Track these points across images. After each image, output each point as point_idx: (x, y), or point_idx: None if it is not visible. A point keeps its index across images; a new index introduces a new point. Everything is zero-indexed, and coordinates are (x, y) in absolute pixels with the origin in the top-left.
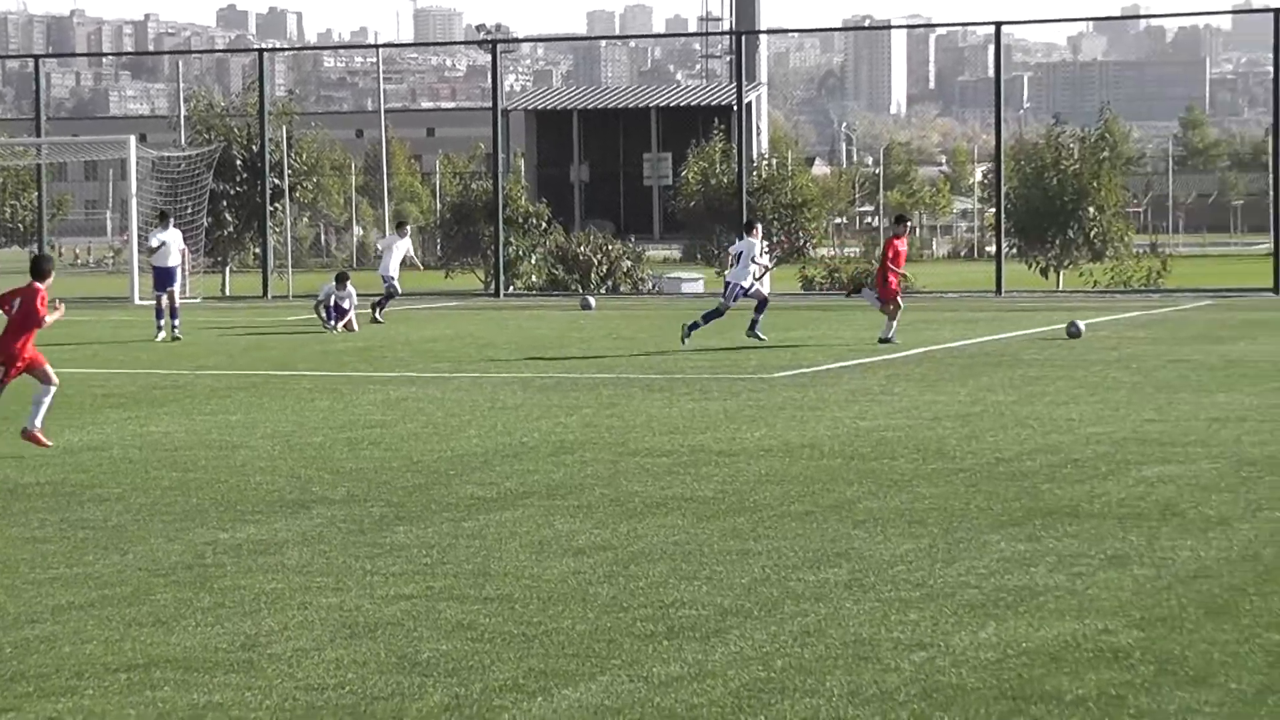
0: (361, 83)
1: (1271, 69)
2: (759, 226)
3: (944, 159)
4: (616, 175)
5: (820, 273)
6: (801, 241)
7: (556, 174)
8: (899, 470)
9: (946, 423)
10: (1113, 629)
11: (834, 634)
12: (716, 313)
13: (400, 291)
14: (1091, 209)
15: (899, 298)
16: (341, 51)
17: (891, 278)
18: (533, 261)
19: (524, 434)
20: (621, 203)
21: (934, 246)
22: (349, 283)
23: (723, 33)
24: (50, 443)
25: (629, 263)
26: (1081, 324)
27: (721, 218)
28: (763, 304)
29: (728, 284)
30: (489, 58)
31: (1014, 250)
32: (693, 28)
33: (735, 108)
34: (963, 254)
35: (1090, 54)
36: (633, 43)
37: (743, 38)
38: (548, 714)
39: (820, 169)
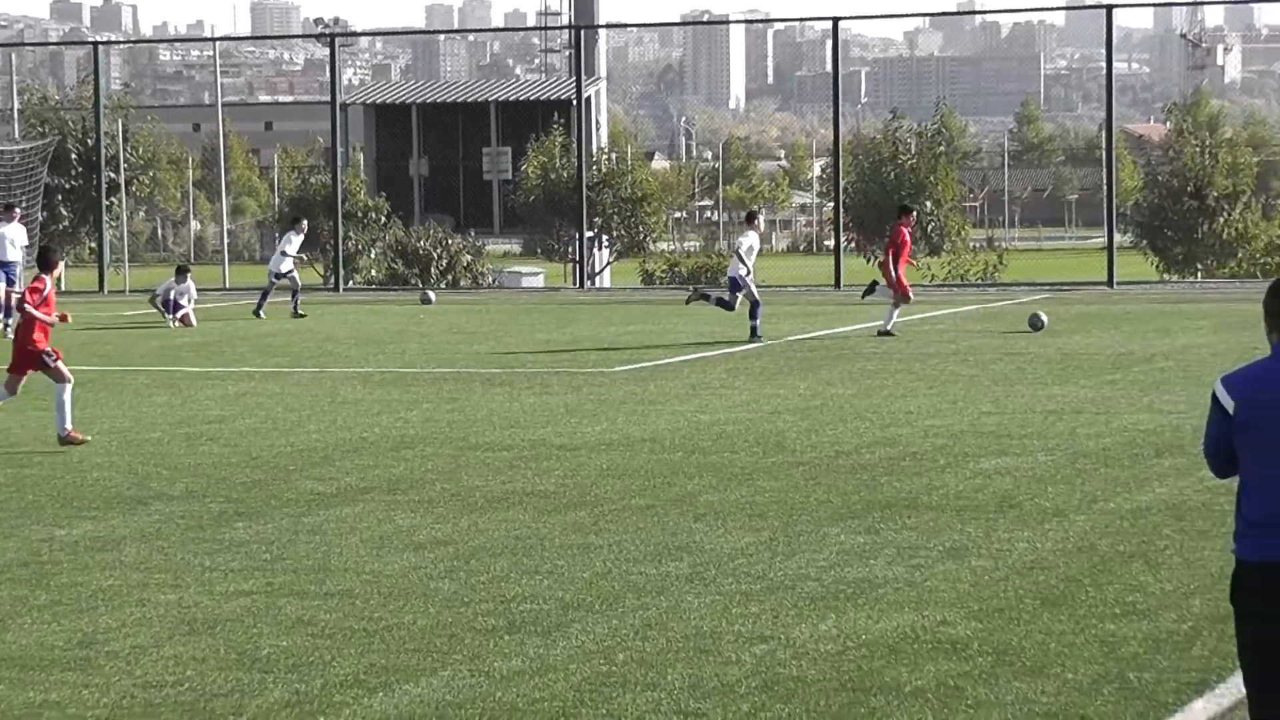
0: (198, 76)
1: (1105, 65)
2: (760, 219)
3: (783, 154)
4: (456, 169)
5: (660, 267)
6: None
7: (396, 168)
8: (739, 464)
9: (786, 416)
10: (951, 620)
11: (675, 627)
12: (732, 305)
13: (300, 285)
14: (929, 203)
15: (909, 291)
16: (178, 45)
17: (899, 269)
18: (372, 256)
19: (364, 429)
20: (461, 197)
21: (773, 241)
22: (189, 276)
23: (562, 27)
24: (89, 437)
25: (469, 257)
26: (1044, 315)
27: (561, 212)
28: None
29: (739, 278)
30: (327, 51)
31: (852, 244)
32: (531, 22)
33: (574, 102)
34: (802, 248)
35: (927, 49)
36: (472, 37)
37: (581, 32)
38: (389, 710)
39: (660, 163)
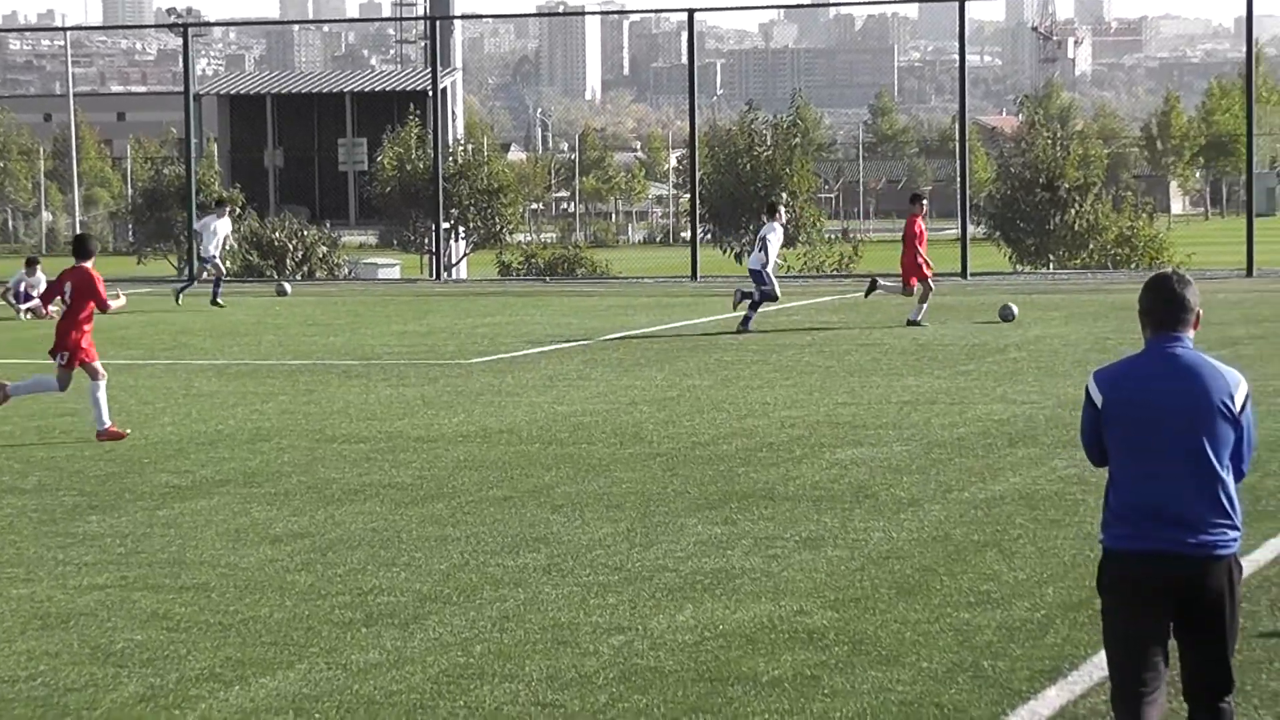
0: (49, 66)
1: (958, 57)
2: (782, 210)
3: (639, 145)
4: (311, 160)
5: (517, 259)
6: None
7: (250, 159)
8: (597, 455)
9: (644, 407)
10: (808, 610)
11: (533, 619)
12: (770, 297)
13: (225, 273)
14: (785, 195)
15: (930, 279)
16: (28, 34)
17: (919, 259)
18: (227, 247)
19: (219, 421)
20: (317, 188)
21: (630, 232)
22: (39, 268)
23: (417, 18)
24: (128, 431)
25: (325, 249)
26: (1014, 307)
27: (417, 203)
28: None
29: (764, 272)
30: (180, 41)
31: (708, 236)
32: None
33: (430, 93)
34: (658, 239)
35: (782, 41)
36: (326, 27)
37: (437, 23)
38: (245, 703)
39: (516, 155)
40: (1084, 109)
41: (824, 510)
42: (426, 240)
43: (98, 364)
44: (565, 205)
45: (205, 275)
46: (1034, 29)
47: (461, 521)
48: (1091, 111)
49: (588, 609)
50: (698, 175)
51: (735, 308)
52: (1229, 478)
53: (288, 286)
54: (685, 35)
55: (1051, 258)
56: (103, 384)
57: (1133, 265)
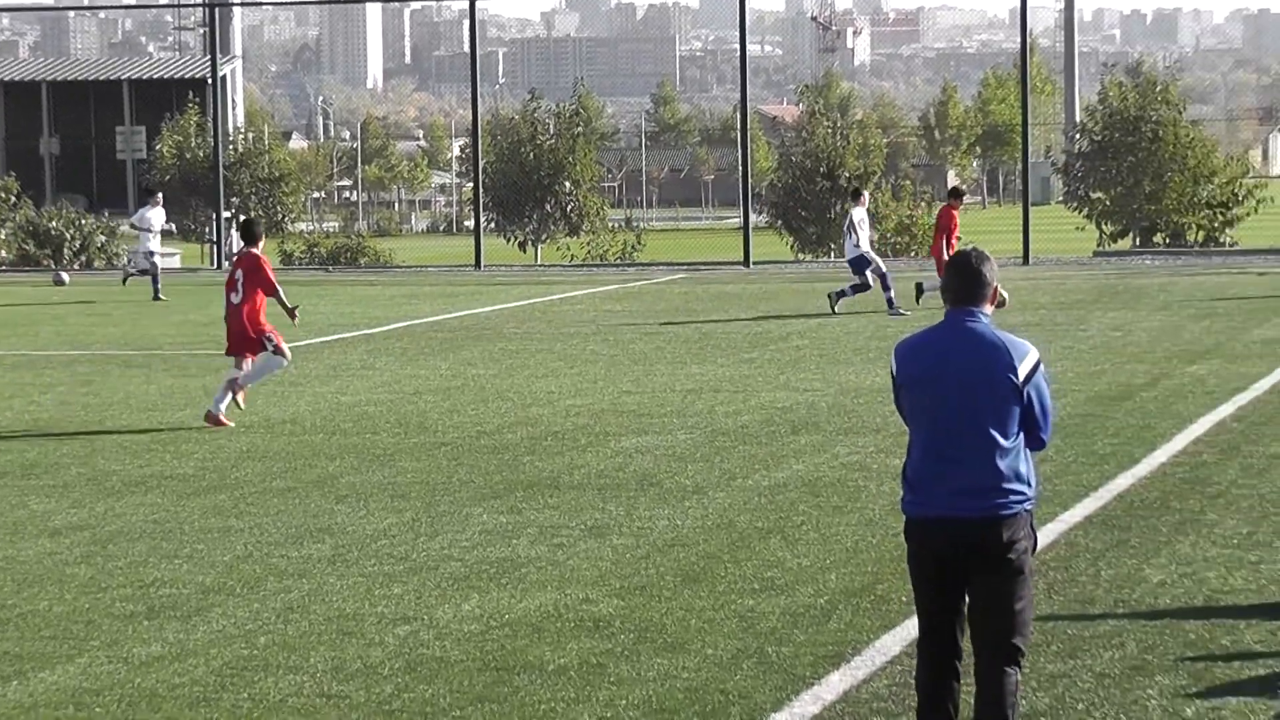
0: None
1: (738, 47)
2: (865, 195)
3: (421, 134)
4: (89, 149)
5: (300, 248)
6: None
7: (25, 147)
8: (381, 445)
9: (428, 397)
10: (593, 598)
11: (317, 610)
12: (863, 287)
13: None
14: (568, 184)
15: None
16: None
17: (950, 250)
18: (2, 236)
19: None
20: (94, 176)
21: (413, 221)
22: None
23: (196, 4)
24: (231, 422)
25: (103, 238)
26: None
27: (198, 192)
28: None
29: (862, 257)
30: None
31: (492, 225)
32: None
33: (210, 81)
34: (442, 228)
35: (564, 30)
36: (103, 14)
37: (216, 10)
38: (24, 698)
39: (298, 143)
40: (863, 99)
41: (609, 498)
42: (207, 229)
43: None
44: (348, 194)
45: (133, 268)
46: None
47: (245, 513)
48: (871, 101)
49: (373, 599)
50: (481, 164)
51: (893, 307)
52: (1017, 445)
53: (65, 276)
54: (467, 23)
55: (833, 246)
56: (243, 372)
57: (912, 253)
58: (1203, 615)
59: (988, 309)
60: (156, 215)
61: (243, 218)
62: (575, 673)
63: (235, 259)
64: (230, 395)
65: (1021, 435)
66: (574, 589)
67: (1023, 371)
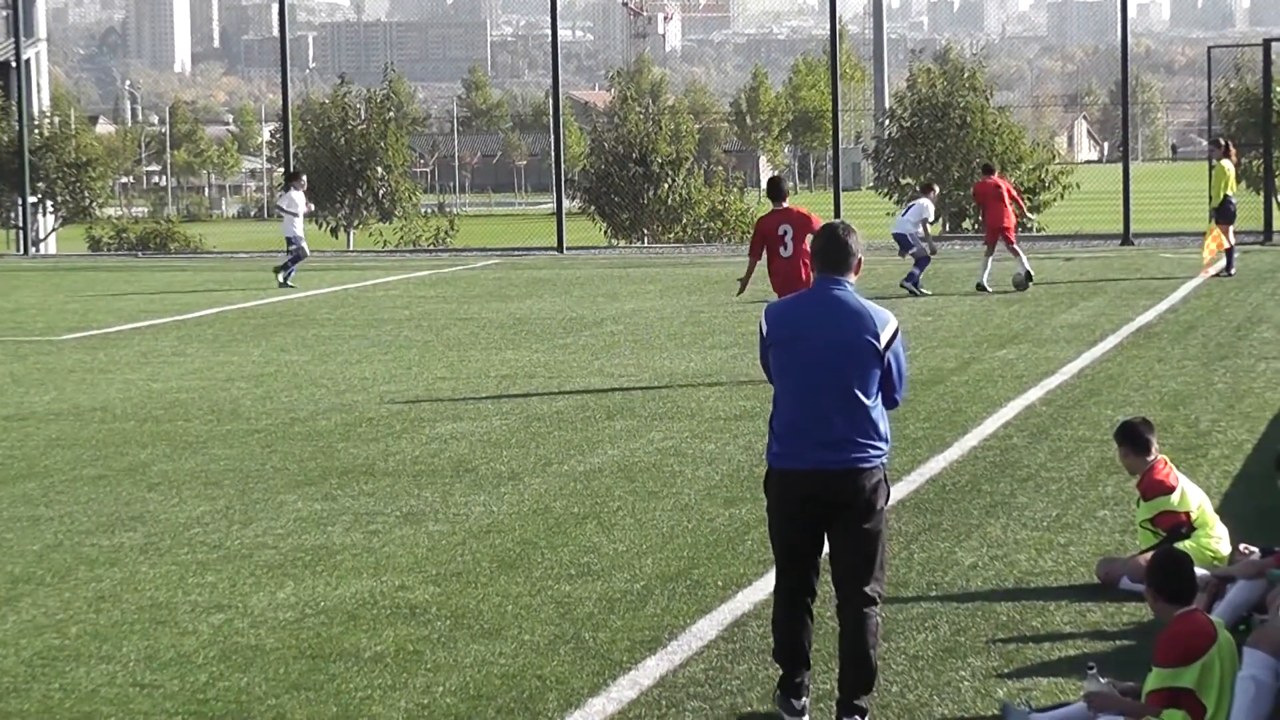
0: None
1: (550, 32)
2: (936, 189)
3: (231, 118)
4: None
5: (108, 233)
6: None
7: None
8: (193, 432)
9: (240, 383)
10: (409, 585)
11: (130, 599)
12: (925, 260)
13: (309, 253)
14: (380, 169)
15: (1013, 238)
16: None
17: (1008, 219)
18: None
19: None
20: None
21: (223, 206)
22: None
23: None
24: None
25: None
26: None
27: (2, 177)
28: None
29: (910, 235)
30: None
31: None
32: None
33: (14, 64)
34: (253, 214)
35: (374, 14)
36: None
37: None
38: None
39: (105, 127)
40: (675, 84)
41: (424, 485)
42: (12, 215)
43: None
44: (156, 179)
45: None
46: (624, 4)
47: (54, 501)
48: (682, 87)
49: (186, 588)
50: (292, 149)
51: (914, 282)
52: (875, 403)
53: None
54: (276, 7)
55: (646, 232)
56: None
57: (725, 239)
58: (1013, 597)
59: (852, 278)
60: (300, 200)
61: (771, 176)
62: (391, 660)
63: (766, 217)
64: None
65: (880, 395)
66: (389, 576)
67: (884, 337)
